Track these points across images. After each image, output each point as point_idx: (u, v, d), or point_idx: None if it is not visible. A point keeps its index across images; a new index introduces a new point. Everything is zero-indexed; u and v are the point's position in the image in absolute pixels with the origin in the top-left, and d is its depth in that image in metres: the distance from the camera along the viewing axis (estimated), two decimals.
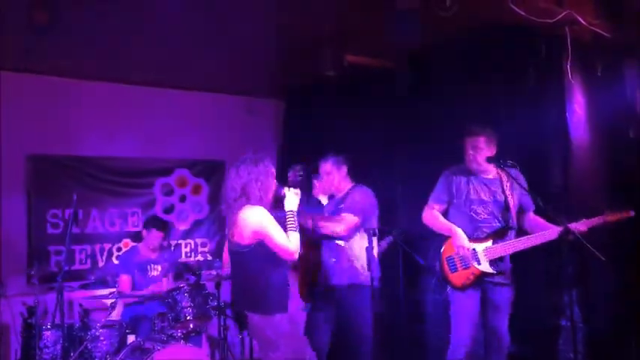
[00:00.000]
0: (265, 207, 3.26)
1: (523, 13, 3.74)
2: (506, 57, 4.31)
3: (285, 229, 3.25)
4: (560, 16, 3.90)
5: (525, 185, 3.69)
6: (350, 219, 3.98)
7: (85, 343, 4.19)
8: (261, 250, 3.23)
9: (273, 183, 3.35)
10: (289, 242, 3.21)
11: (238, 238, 3.25)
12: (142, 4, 4.03)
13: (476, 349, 3.69)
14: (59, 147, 5.62)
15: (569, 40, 4.04)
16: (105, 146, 5.86)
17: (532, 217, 3.82)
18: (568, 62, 4.06)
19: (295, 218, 3.31)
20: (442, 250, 3.75)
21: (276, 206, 3.36)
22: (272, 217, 3.24)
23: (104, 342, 4.23)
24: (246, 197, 3.24)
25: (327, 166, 4.21)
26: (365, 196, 4.13)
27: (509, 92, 4.32)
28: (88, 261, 5.74)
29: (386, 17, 3.99)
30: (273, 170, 3.37)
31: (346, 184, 4.22)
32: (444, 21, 3.75)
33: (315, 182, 4.60)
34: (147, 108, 6.09)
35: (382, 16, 4.13)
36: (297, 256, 3.26)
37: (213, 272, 4.62)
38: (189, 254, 6.39)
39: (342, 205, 4.07)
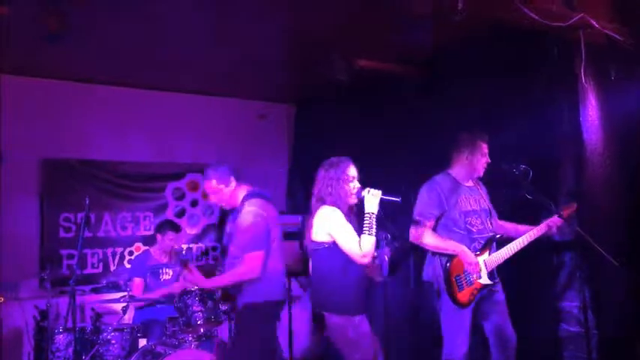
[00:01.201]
0: (342, 209, 3.34)
1: (536, 17, 3.71)
2: (518, 61, 4.28)
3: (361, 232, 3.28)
4: (574, 20, 3.87)
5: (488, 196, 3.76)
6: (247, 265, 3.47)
7: (96, 346, 4.21)
8: (337, 250, 3.30)
9: (346, 187, 3.37)
10: (356, 245, 3.25)
11: (313, 237, 3.39)
12: (155, 9, 4.05)
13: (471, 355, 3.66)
14: (72, 151, 5.67)
15: (582, 43, 4.01)
16: (117, 150, 5.90)
17: (502, 224, 3.83)
18: (581, 66, 4.02)
19: (372, 221, 3.28)
20: (449, 268, 3.58)
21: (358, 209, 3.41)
22: (343, 219, 3.30)
23: (116, 345, 4.24)
24: (322, 200, 3.39)
25: None
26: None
27: (522, 96, 4.29)
28: (100, 265, 5.76)
29: (397, 22, 3.98)
30: (348, 175, 3.40)
31: (239, 196, 3.73)
32: (455, 25, 3.73)
33: None
34: (159, 112, 6.13)
35: (393, 21, 4.13)
36: (367, 260, 3.27)
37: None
38: (200, 258, 6.40)
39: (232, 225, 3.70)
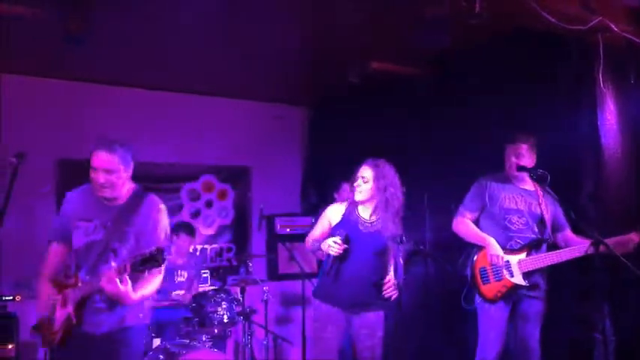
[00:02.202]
0: (349, 205, 3.68)
1: (554, 20, 3.68)
2: (536, 64, 4.25)
3: None
4: (593, 23, 3.83)
5: (558, 202, 3.66)
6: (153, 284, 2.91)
7: None
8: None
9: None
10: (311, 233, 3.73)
11: None
12: (173, 11, 4.08)
13: None
14: (88, 152, 5.70)
15: (601, 47, 3.96)
16: (133, 151, 5.92)
17: (569, 236, 3.73)
18: (600, 70, 3.98)
19: None
20: (475, 260, 3.66)
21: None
22: (328, 212, 3.70)
23: None
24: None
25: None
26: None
27: (539, 100, 4.25)
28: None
29: (414, 24, 3.98)
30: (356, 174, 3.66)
31: (127, 188, 3.05)
32: (473, 28, 3.71)
33: (335, 195, 4.68)
34: (174, 114, 6.17)
35: (409, 23, 4.13)
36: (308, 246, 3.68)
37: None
38: (214, 259, 6.43)
39: (129, 228, 2.92)
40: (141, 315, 2.97)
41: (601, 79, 3.99)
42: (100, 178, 2.86)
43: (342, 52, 4.89)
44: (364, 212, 3.61)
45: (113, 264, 2.73)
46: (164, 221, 3.07)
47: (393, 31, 4.45)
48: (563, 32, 3.85)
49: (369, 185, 3.54)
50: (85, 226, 2.91)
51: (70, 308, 2.80)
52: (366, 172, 3.57)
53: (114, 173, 2.90)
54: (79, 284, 2.82)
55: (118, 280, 2.63)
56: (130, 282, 2.69)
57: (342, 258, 3.44)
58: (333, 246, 3.38)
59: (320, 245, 3.50)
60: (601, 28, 3.90)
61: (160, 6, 4.02)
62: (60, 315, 2.83)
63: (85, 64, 5.20)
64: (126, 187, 3.01)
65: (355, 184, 3.57)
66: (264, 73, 5.63)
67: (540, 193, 3.72)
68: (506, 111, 4.40)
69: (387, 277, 3.50)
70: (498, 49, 4.46)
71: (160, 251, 2.55)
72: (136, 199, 3.01)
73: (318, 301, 3.60)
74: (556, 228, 3.74)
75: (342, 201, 4.69)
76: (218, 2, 3.93)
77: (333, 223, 3.62)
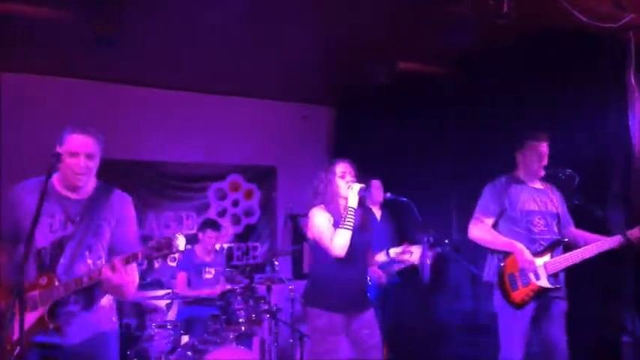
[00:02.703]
0: (334, 208, 3.41)
1: (584, 19, 3.64)
2: (566, 63, 4.20)
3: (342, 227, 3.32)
4: (624, 21, 3.76)
5: (564, 202, 3.64)
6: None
7: (140, 342, 4.32)
8: (316, 247, 3.43)
9: (335, 183, 3.43)
10: (328, 240, 3.31)
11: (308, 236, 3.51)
12: (202, 16, 4.13)
13: None
14: (119, 152, 5.82)
15: (632, 45, 3.90)
16: (162, 151, 6.04)
17: (575, 232, 3.70)
18: (631, 68, 3.92)
19: (351, 215, 3.32)
20: (503, 267, 3.54)
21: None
22: (321, 217, 3.38)
23: (159, 341, 4.34)
24: (313, 203, 3.48)
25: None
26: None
27: (569, 99, 4.21)
28: (145, 262, 5.91)
29: (439, 24, 3.97)
30: (336, 171, 3.45)
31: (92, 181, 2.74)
32: (499, 27, 3.69)
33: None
34: (202, 114, 6.26)
35: (435, 23, 4.12)
36: (340, 253, 3.28)
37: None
38: (240, 258, 6.50)
39: (102, 222, 2.67)
40: (114, 318, 2.72)
41: (632, 77, 3.93)
42: (81, 162, 2.55)
43: (368, 52, 4.90)
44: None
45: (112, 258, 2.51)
46: (134, 216, 2.82)
47: (419, 31, 4.44)
48: (593, 31, 3.80)
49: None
50: (49, 222, 2.54)
51: (41, 311, 2.47)
52: (344, 168, 3.50)
53: (94, 158, 2.62)
54: (55, 284, 2.48)
55: (123, 271, 2.42)
56: (136, 271, 2.54)
57: (340, 260, 3.34)
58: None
59: (398, 257, 3.46)
60: (632, 26, 3.84)
61: (192, 12, 4.08)
62: (27, 321, 2.41)
63: (113, 66, 5.31)
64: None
65: (346, 180, 3.46)
66: (290, 73, 5.68)
67: (550, 191, 3.69)
68: (535, 111, 4.36)
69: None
70: (524, 48, 4.42)
71: (176, 238, 2.42)
72: (103, 192, 2.72)
73: (315, 311, 3.41)
74: (563, 225, 3.70)
75: (375, 200, 4.69)
76: (245, 3, 3.97)
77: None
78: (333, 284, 3.41)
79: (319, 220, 3.40)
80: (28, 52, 4.84)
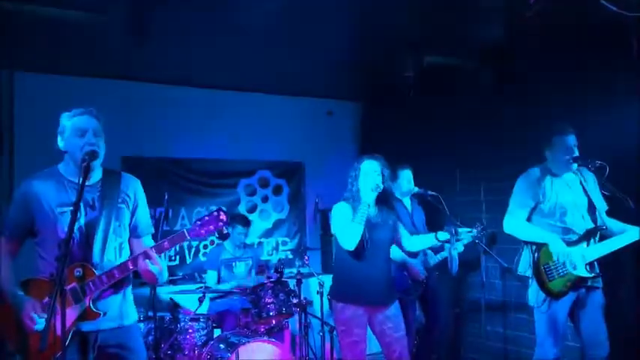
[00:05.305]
0: (354, 204, 3.51)
1: (614, 9, 3.57)
2: (595, 55, 4.14)
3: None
4: None
5: (598, 187, 3.60)
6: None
7: (174, 335, 4.43)
8: (336, 241, 3.54)
9: (358, 181, 3.54)
10: (340, 234, 3.46)
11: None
12: (234, 15, 4.17)
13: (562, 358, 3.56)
14: (151, 149, 5.95)
15: None
16: (193, 148, 6.14)
17: (609, 220, 3.65)
18: None
19: (364, 211, 3.41)
20: (538, 258, 3.54)
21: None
22: (342, 211, 3.52)
23: (192, 334, 4.44)
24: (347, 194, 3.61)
25: None
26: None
27: (598, 91, 4.15)
28: (177, 257, 6.04)
29: (468, 17, 3.95)
30: (361, 169, 3.55)
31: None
32: (528, 20, 3.65)
33: None
34: (231, 111, 6.34)
35: (463, 16, 4.09)
36: (348, 247, 3.40)
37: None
38: (270, 253, 6.58)
39: (122, 205, 2.73)
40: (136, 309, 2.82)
41: None
42: (91, 138, 2.60)
43: (396, 46, 4.89)
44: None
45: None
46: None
47: (448, 25, 4.41)
48: (624, 20, 3.73)
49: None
50: (70, 211, 2.46)
51: (86, 301, 2.50)
52: (371, 165, 3.58)
53: (100, 137, 2.66)
54: (95, 273, 2.51)
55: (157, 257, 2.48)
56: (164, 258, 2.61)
57: (359, 254, 3.45)
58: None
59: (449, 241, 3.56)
60: None
61: (223, 9, 4.12)
62: (71, 312, 2.47)
63: (148, 65, 5.40)
64: None
65: (372, 178, 3.52)
66: (318, 69, 5.70)
67: (583, 179, 3.65)
68: (563, 104, 4.31)
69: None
70: (558, 40, 4.36)
71: (220, 212, 2.54)
72: (112, 176, 2.76)
73: (339, 304, 3.53)
74: (599, 210, 3.64)
75: (405, 191, 4.70)
76: (279, 1, 3.98)
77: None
78: (354, 277, 3.51)
79: (337, 215, 3.54)
80: (54, 52, 4.90)
